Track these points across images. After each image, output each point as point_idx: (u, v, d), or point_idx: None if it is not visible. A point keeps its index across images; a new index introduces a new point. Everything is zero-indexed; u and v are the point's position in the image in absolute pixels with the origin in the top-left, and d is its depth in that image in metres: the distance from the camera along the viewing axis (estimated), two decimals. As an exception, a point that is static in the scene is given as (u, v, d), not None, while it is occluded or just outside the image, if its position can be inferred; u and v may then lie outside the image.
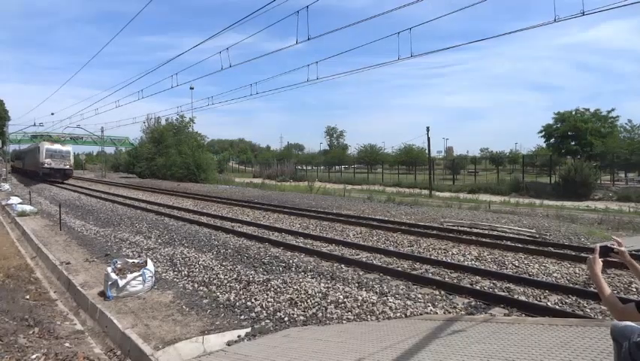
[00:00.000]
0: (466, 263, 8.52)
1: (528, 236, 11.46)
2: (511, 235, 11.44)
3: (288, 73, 50.71)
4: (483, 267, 8.18)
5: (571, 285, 6.96)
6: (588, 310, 5.65)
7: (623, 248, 2.38)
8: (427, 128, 34.78)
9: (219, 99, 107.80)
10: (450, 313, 5.57)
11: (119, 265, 6.78)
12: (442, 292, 6.38)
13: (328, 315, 5.57)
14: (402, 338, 4.44)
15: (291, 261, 8.46)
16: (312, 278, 7.22)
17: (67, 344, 5.06)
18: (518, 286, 6.76)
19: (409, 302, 5.90)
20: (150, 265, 7.00)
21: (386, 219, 14.70)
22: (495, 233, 11.80)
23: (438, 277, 7.26)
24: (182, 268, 7.98)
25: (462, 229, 12.58)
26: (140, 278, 6.58)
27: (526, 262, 8.40)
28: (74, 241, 10.91)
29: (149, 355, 4.45)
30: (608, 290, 2.22)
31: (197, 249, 9.78)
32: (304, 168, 64.00)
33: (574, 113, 39.55)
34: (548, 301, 6.15)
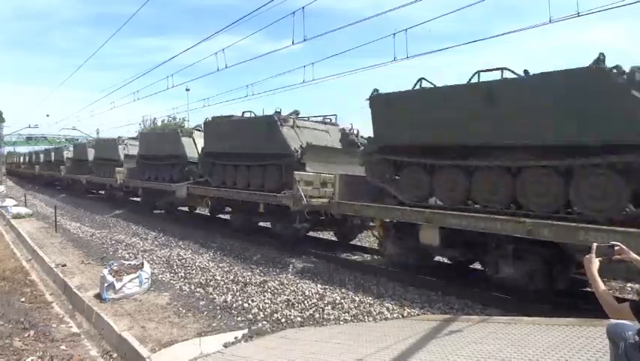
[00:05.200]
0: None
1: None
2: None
3: (284, 74, 50.50)
4: (480, 267, 8.19)
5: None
6: (585, 310, 5.66)
7: (625, 247, 2.40)
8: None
9: (215, 100, 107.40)
10: (447, 313, 5.57)
11: (115, 267, 6.75)
12: (439, 293, 6.38)
13: (325, 316, 5.56)
14: (399, 339, 4.44)
15: (287, 262, 8.45)
16: (309, 279, 7.21)
17: (63, 347, 5.03)
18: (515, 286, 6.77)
19: (405, 303, 5.91)
20: (147, 267, 6.98)
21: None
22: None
23: (435, 278, 7.26)
24: (179, 270, 7.96)
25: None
26: (137, 280, 6.55)
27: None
28: (70, 243, 10.86)
29: (146, 357, 4.43)
30: (604, 288, 2.23)
31: (194, 250, 9.76)
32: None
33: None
34: (545, 301, 6.16)
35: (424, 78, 6.94)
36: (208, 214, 14.86)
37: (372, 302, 5.95)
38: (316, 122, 11.09)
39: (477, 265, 8.18)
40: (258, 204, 10.30)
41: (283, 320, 5.48)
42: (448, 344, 4.16)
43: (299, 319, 5.51)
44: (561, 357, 3.43)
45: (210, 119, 12.79)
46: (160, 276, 7.55)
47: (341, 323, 5.40)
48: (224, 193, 11.34)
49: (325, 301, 6.03)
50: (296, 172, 8.73)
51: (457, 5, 8.39)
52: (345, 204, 7.97)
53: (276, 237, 10.28)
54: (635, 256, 2.40)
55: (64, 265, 8.43)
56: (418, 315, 5.52)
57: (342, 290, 6.53)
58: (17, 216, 15.68)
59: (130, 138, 20.61)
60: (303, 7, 9.96)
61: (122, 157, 18.55)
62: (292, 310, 5.76)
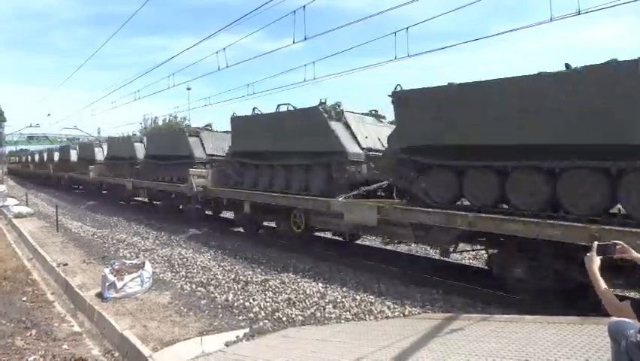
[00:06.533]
0: (463, 262, 8.54)
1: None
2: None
3: (285, 73, 50.45)
4: (480, 265, 8.19)
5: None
6: (585, 308, 5.65)
7: (626, 245, 2.40)
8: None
9: (216, 100, 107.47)
10: (448, 312, 5.57)
11: (116, 267, 6.76)
12: (440, 292, 6.37)
13: (327, 315, 5.57)
14: (400, 338, 4.44)
15: (288, 261, 8.46)
16: (310, 278, 7.22)
17: (64, 346, 5.04)
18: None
19: (407, 302, 5.91)
20: (148, 266, 6.99)
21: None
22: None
23: (436, 277, 7.25)
24: (180, 269, 7.96)
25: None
26: (138, 279, 6.56)
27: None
28: (71, 243, 10.87)
29: (147, 356, 4.43)
30: (605, 287, 2.23)
31: (195, 249, 9.76)
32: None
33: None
34: (546, 299, 6.15)
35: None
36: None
37: (373, 301, 5.95)
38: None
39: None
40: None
41: (284, 318, 5.48)
42: (449, 342, 4.16)
43: (300, 318, 5.51)
44: (562, 355, 3.43)
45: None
46: (161, 275, 7.56)
47: (342, 321, 5.40)
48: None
49: (326, 300, 6.03)
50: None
51: (457, 4, 8.36)
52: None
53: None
54: (636, 254, 2.40)
55: (66, 265, 8.45)
56: (419, 314, 5.51)
57: (344, 289, 6.54)
58: (19, 216, 15.71)
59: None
60: (304, 6, 9.93)
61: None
62: (293, 309, 5.76)
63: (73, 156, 25.93)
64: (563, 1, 6.89)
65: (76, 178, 24.97)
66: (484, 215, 5.94)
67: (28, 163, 41.76)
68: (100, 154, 22.04)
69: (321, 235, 10.72)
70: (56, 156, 29.94)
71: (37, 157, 38.97)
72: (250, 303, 6.00)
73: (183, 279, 7.35)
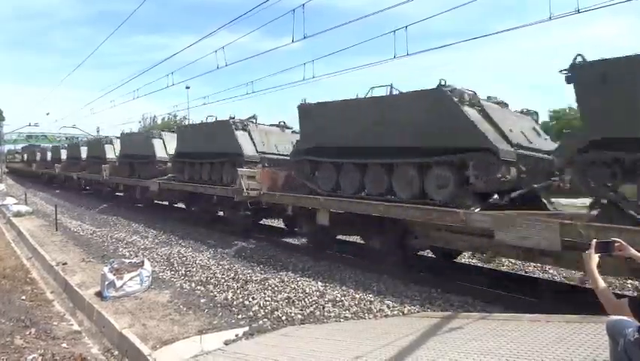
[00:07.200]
0: (462, 261, 8.55)
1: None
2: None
3: (284, 72, 50.34)
4: (480, 264, 8.21)
5: (567, 282, 6.99)
6: (584, 307, 5.67)
7: (625, 243, 2.40)
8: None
9: (215, 98, 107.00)
10: (447, 311, 5.58)
11: (115, 266, 6.76)
12: (440, 290, 6.38)
13: (326, 313, 5.57)
14: (399, 336, 4.45)
15: (288, 260, 8.46)
16: (310, 277, 7.22)
17: (64, 345, 5.05)
18: (515, 283, 6.78)
19: (406, 300, 5.92)
20: (147, 265, 6.99)
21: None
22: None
23: (436, 276, 7.26)
24: (180, 268, 7.97)
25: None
26: (137, 278, 6.57)
27: (522, 260, 8.41)
28: (70, 242, 10.87)
29: (147, 355, 4.44)
30: (603, 285, 2.24)
31: (195, 248, 9.76)
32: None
33: (567, 110, 39.75)
34: (545, 298, 6.16)
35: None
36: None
37: (372, 300, 5.95)
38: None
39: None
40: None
41: (284, 317, 5.49)
42: (448, 341, 4.16)
43: (299, 316, 5.52)
44: (561, 354, 3.44)
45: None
46: (160, 274, 7.56)
47: (341, 320, 5.41)
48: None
49: (326, 299, 6.04)
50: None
51: (456, 3, 8.34)
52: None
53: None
54: (634, 252, 2.40)
55: (65, 264, 8.45)
56: (418, 312, 5.52)
57: (343, 288, 6.54)
58: (18, 215, 15.71)
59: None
60: (303, 5, 9.91)
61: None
62: (293, 308, 5.77)
63: (159, 149, 15.35)
64: (562, 0, 6.88)
65: (171, 190, 14.20)
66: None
67: (48, 162, 30.74)
68: (247, 143, 11.32)
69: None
70: (109, 152, 19.44)
71: (64, 154, 27.41)
72: (249, 302, 6.01)
73: (182, 278, 7.36)
